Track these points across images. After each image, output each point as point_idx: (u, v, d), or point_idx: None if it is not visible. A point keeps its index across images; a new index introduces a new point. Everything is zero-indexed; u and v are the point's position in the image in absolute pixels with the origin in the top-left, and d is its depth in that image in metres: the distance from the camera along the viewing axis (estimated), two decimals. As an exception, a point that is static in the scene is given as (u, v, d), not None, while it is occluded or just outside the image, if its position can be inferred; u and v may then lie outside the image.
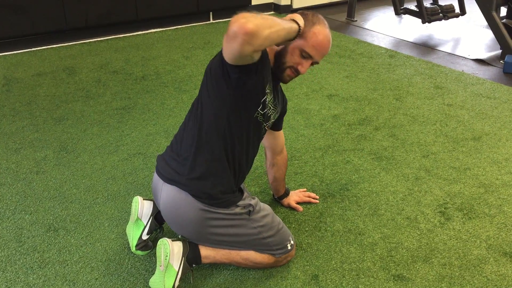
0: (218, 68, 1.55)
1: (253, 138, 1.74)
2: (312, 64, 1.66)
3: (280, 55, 1.65)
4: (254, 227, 1.74)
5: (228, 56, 1.41)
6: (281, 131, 2.05)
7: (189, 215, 1.68)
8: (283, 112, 1.96)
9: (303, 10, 1.66)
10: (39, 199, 2.27)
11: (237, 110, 1.62)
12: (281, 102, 1.89)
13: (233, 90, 1.57)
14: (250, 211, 1.73)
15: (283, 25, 1.43)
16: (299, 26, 1.50)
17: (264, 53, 1.55)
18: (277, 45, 1.59)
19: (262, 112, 1.68)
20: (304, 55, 1.61)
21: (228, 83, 1.55)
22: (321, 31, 1.59)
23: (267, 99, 1.67)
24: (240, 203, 1.72)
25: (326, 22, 1.64)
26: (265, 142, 2.05)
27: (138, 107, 3.22)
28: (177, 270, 1.69)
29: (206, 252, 1.75)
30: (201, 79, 3.63)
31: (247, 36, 1.29)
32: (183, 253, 1.71)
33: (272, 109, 1.75)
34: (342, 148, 2.75)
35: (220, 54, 1.53)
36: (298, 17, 1.54)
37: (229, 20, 1.33)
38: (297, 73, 1.66)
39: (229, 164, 1.69)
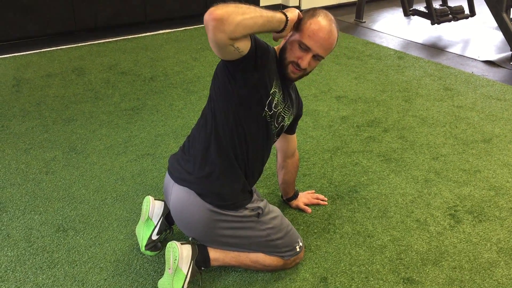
0: (222, 67, 1.60)
1: (262, 137, 1.72)
2: (315, 57, 1.62)
3: (281, 51, 1.65)
4: (263, 229, 1.73)
5: (213, 48, 1.42)
6: (294, 135, 2.04)
7: (198, 216, 1.67)
8: (298, 115, 1.94)
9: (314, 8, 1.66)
10: (49, 199, 2.28)
11: (243, 108, 1.62)
12: (296, 105, 1.87)
13: (237, 88, 1.59)
14: (259, 213, 1.73)
15: (262, 13, 1.40)
16: (287, 17, 1.48)
17: (265, 49, 1.57)
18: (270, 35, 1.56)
19: (270, 113, 1.67)
20: (302, 46, 1.59)
21: (231, 81, 1.59)
22: (318, 21, 1.58)
23: (275, 97, 1.66)
24: (249, 205, 1.72)
25: (330, 16, 1.62)
26: (277, 144, 2.04)
27: (147, 108, 3.22)
28: (186, 273, 1.69)
29: (215, 255, 1.75)
30: (209, 80, 3.68)
31: (216, 22, 1.31)
32: (192, 257, 1.71)
33: (284, 110, 1.75)
34: (350, 150, 2.74)
35: None
36: (291, 10, 1.53)
37: None
38: (299, 67, 1.63)
39: (238, 163, 1.68)
